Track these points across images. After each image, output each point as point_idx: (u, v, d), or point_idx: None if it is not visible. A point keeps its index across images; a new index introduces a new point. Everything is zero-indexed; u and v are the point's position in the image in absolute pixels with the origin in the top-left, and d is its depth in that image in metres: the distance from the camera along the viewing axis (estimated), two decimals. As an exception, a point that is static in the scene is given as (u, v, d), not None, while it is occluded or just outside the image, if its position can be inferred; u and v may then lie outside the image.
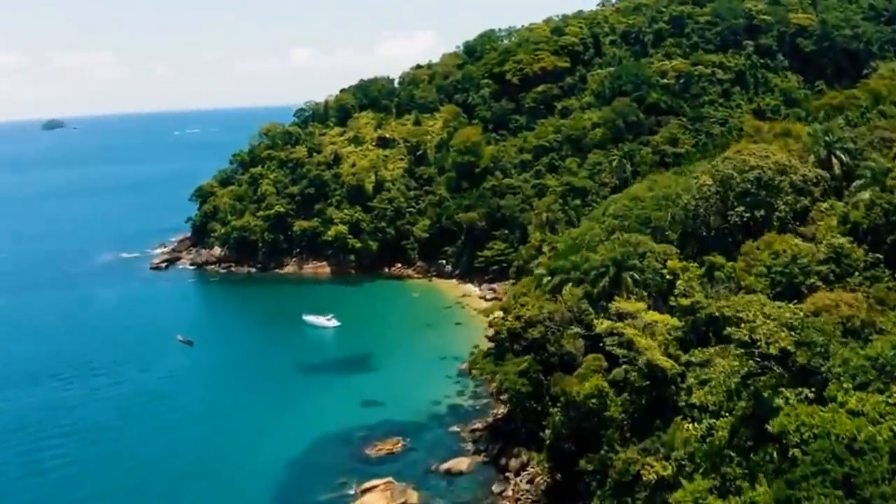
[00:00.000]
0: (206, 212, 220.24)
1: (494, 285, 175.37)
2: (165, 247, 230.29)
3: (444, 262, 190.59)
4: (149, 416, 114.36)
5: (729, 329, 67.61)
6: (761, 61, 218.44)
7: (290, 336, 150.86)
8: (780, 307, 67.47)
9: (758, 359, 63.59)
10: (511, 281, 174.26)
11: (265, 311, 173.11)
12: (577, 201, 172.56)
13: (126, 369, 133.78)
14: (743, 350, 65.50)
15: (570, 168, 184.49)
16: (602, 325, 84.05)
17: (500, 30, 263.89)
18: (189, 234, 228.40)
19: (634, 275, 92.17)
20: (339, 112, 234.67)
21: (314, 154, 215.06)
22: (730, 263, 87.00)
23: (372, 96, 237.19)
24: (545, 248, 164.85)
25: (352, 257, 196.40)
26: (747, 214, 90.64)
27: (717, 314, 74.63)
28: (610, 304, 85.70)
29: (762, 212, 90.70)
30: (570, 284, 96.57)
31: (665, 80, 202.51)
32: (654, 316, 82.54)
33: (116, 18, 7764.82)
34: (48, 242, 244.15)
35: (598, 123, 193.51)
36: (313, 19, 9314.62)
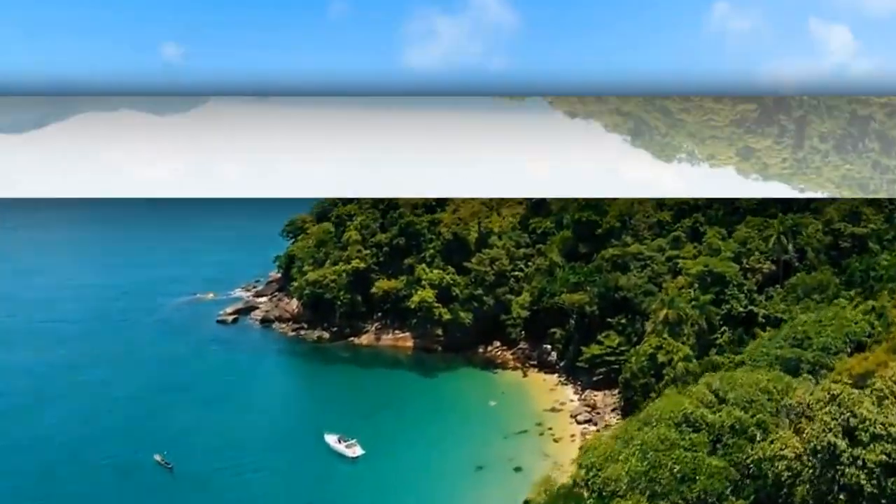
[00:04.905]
0: (290, 253, 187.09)
1: (599, 395, 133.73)
2: (253, 288, 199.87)
3: (549, 346, 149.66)
4: None
5: None
6: None
7: (298, 467, 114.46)
8: None
9: None
10: (617, 392, 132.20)
11: (299, 411, 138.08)
12: (710, 295, 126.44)
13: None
14: None
15: (710, 242, 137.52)
16: None
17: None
18: (279, 276, 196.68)
19: None
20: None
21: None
22: None
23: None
24: (661, 358, 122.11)
25: (438, 331, 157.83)
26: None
27: None
28: None
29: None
30: None
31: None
32: None
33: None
34: (140, 273, 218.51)
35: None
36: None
